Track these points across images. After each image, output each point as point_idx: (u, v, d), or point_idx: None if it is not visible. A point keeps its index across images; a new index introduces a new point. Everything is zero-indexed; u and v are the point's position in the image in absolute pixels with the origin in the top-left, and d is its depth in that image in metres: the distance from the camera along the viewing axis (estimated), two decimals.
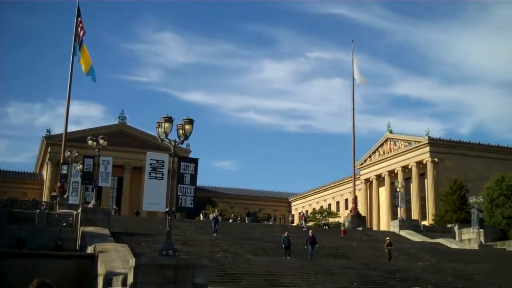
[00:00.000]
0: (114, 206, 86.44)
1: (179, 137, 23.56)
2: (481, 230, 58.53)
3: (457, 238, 62.45)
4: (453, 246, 55.29)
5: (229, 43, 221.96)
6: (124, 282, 23.35)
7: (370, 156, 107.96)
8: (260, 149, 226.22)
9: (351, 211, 76.22)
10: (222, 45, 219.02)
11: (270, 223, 77.13)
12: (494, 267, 42.68)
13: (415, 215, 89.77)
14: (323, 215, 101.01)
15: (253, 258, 36.88)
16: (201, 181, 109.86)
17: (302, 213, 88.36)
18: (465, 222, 64.78)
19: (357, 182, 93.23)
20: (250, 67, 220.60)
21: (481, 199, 62.94)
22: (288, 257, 38.27)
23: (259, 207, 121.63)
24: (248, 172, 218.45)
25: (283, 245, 39.68)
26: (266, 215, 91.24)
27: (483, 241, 57.55)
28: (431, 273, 37.41)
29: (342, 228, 61.60)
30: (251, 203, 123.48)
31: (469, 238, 61.43)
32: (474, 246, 55.42)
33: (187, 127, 23.39)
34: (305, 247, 39.81)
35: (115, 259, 29.94)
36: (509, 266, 44.63)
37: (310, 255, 39.37)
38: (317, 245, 40.56)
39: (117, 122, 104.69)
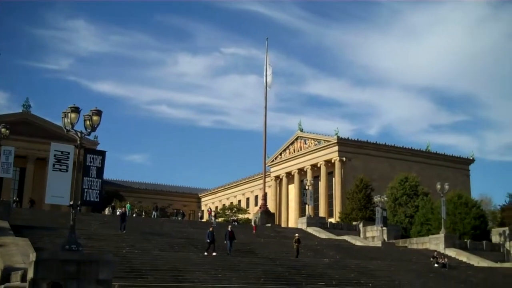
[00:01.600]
0: (16, 198, 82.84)
1: (86, 128, 22.92)
2: (384, 228, 60.62)
3: (361, 236, 64.40)
4: (358, 243, 56.87)
5: (143, 34, 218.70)
6: (23, 278, 22.37)
7: (280, 154, 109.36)
8: (172, 144, 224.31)
9: (260, 207, 76.91)
10: (136, 36, 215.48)
11: (179, 218, 76.40)
12: (395, 264, 44.29)
13: (322, 212, 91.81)
14: (233, 211, 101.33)
15: (160, 254, 36.33)
16: (109, 175, 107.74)
17: (209, 209, 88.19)
18: (370, 220, 66.93)
19: (267, 179, 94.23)
20: (164, 60, 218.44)
21: (385, 198, 65.18)
22: (214, 253, 37.61)
23: (169, 202, 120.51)
24: (159, 167, 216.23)
25: (207, 240, 38.79)
26: (175, 210, 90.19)
27: (386, 239, 59.61)
28: (335, 269, 38.27)
29: (253, 225, 62.00)
30: (161, 198, 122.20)
31: (373, 235, 63.50)
32: (378, 243, 57.25)
33: (94, 118, 22.73)
34: (225, 242, 39.22)
35: (15, 253, 28.66)
36: (409, 263, 46.50)
37: (229, 251, 38.86)
38: (235, 241, 40.11)
39: (21, 111, 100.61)
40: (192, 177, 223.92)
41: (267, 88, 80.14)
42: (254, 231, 57.40)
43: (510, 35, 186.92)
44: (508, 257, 55.67)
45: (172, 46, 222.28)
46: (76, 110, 22.35)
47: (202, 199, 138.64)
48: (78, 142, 22.84)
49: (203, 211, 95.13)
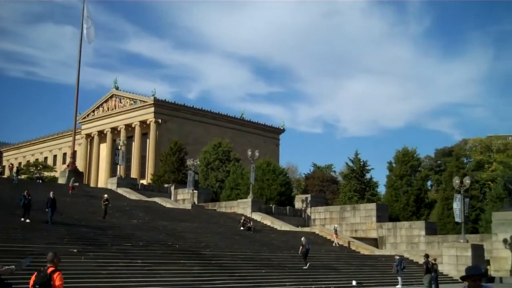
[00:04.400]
0: None
1: None
2: (195, 191, 61.18)
3: (172, 198, 64.44)
4: (168, 205, 56.68)
5: None
6: None
7: (93, 111, 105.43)
8: None
9: (68, 165, 73.38)
10: None
11: None
12: (203, 226, 44.81)
13: (134, 173, 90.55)
14: (38, 168, 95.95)
15: None
16: None
17: (11, 164, 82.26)
18: (182, 183, 67.13)
19: (78, 137, 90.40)
20: None
21: (198, 162, 65.63)
22: (27, 220, 33.35)
23: None
24: None
25: (21, 205, 34.03)
26: None
27: (196, 202, 60.20)
28: (144, 230, 37.65)
29: (70, 185, 58.86)
30: None
31: (184, 198, 63.85)
32: (188, 206, 57.55)
33: None
34: (46, 210, 34.29)
35: None
36: (217, 225, 47.34)
37: (50, 220, 33.95)
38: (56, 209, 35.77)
39: None
40: None
41: (84, 41, 75.50)
42: (70, 191, 54.50)
43: (329, 14, 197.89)
44: (308, 222, 59.11)
45: None
46: None
47: (4, 154, 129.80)
48: None
49: (4, 166, 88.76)
